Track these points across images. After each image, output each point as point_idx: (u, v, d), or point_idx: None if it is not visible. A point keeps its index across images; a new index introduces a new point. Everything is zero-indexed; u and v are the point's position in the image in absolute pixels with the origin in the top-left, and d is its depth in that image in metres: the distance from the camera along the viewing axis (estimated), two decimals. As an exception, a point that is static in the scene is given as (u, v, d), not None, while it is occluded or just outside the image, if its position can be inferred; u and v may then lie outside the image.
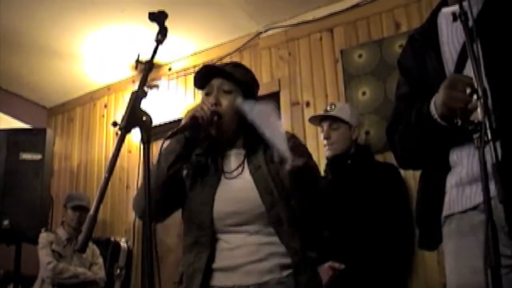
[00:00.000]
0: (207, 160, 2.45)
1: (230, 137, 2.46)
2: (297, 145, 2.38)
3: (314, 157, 4.68)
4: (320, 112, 4.24)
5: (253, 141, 2.41)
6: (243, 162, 2.40)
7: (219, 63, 5.63)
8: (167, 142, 2.34)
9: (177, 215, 2.51)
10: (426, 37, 2.19)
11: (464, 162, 1.96)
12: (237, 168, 2.39)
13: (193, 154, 2.45)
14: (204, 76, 2.48)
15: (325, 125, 4.05)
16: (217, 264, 2.29)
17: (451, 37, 2.08)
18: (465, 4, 1.76)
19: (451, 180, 2.02)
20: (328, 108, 4.11)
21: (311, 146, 4.77)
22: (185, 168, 2.43)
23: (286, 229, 2.26)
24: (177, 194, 2.41)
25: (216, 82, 2.45)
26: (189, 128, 2.29)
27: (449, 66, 2.05)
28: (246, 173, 2.36)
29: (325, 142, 4.03)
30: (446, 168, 2.04)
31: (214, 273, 2.29)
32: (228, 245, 2.30)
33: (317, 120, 4.19)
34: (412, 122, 2.10)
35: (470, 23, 1.74)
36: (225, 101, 2.40)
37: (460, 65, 2.01)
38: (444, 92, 1.86)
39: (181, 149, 2.34)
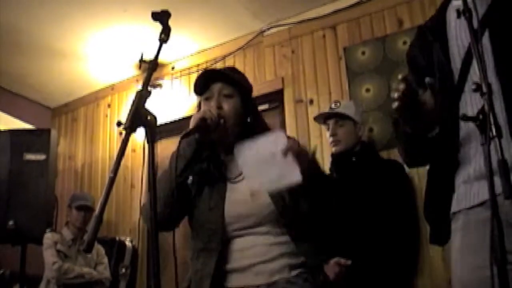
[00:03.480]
0: (210, 166, 2.44)
1: (232, 142, 2.43)
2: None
3: (318, 155, 4.71)
4: (325, 110, 4.24)
5: None
6: None
7: (222, 61, 5.66)
8: (181, 145, 2.33)
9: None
10: (434, 30, 2.19)
11: (471, 159, 1.96)
12: (241, 173, 2.38)
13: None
14: (204, 81, 2.48)
15: (331, 122, 4.06)
16: (228, 266, 2.30)
17: (459, 32, 2.07)
18: (469, 0, 1.76)
19: (460, 177, 2.01)
20: (333, 105, 4.12)
21: (315, 143, 4.79)
22: (190, 175, 2.43)
23: (299, 232, 2.28)
24: (186, 201, 2.41)
25: (215, 87, 2.44)
26: (199, 129, 2.28)
27: (456, 62, 2.05)
28: None
29: (331, 139, 4.03)
30: (454, 164, 2.04)
31: (225, 275, 2.29)
32: (238, 247, 2.30)
33: (322, 118, 4.19)
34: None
35: (475, 19, 1.73)
36: (226, 105, 2.39)
37: (467, 62, 2.00)
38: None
39: (192, 152, 2.34)
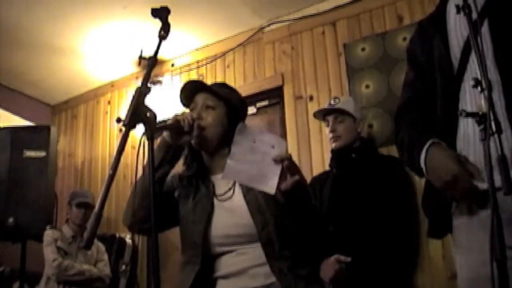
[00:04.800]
0: (198, 182, 2.47)
1: (218, 159, 2.47)
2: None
3: (318, 151, 4.75)
4: (324, 106, 4.23)
5: None
6: (234, 183, 2.42)
7: (222, 58, 5.65)
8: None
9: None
10: (434, 23, 2.21)
11: (470, 152, 1.96)
12: (228, 191, 2.42)
13: (183, 174, 2.50)
14: (189, 92, 2.51)
15: (331, 118, 4.05)
16: (220, 272, 2.31)
17: (458, 23, 2.09)
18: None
19: None
20: (332, 102, 4.12)
21: (315, 140, 4.79)
22: (176, 188, 2.49)
23: (276, 250, 2.27)
24: (169, 210, 2.45)
25: (200, 98, 2.48)
26: (170, 128, 2.32)
27: (455, 51, 2.06)
28: (237, 195, 2.39)
29: (330, 135, 4.02)
30: None
31: (217, 281, 2.31)
32: (229, 256, 2.31)
33: (321, 114, 4.19)
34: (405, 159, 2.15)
35: (474, 15, 1.74)
36: (208, 116, 2.42)
37: (466, 52, 2.01)
38: (443, 179, 1.90)
39: (163, 153, 2.38)
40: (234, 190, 2.40)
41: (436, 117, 2.11)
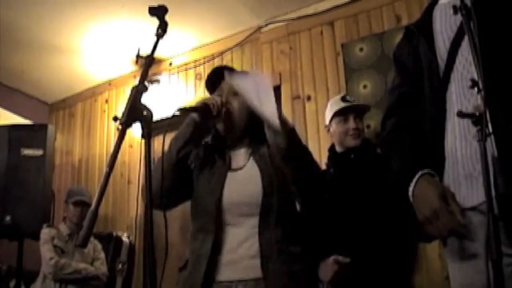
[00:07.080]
0: (215, 154, 2.52)
1: (238, 137, 2.52)
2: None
3: (315, 150, 4.75)
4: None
5: (259, 140, 2.48)
6: (249, 157, 2.47)
7: (220, 57, 5.65)
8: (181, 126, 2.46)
9: (179, 209, 2.55)
10: (420, 28, 2.22)
11: (458, 155, 1.96)
12: (242, 162, 2.47)
13: (202, 144, 2.55)
14: (215, 78, 2.57)
15: (353, 114, 3.99)
16: (221, 258, 2.32)
17: (444, 26, 2.10)
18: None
19: (448, 174, 2.01)
20: (348, 98, 4.07)
21: (312, 140, 4.79)
22: (193, 160, 2.51)
23: (271, 221, 2.31)
24: (187, 183, 2.50)
25: (226, 84, 2.52)
26: (199, 111, 2.37)
27: (441, 54, 2.07)
28: (250, 165, 2.43)
29: (352, 132, 3.93)
30: (441, 159, 2.04)
31: (218, 266, 2.32)
32: (231, 239, 2.34)
33: (347, 109, 4.07)
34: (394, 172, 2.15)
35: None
36: (234, 102, 2.47)
37: (452, 53, 2.02)
38: (423, 213, 1.90)
39: (190, 132, 2.42)
40: (248, 161, 2.45)
41: (424, 120, 2.12)
